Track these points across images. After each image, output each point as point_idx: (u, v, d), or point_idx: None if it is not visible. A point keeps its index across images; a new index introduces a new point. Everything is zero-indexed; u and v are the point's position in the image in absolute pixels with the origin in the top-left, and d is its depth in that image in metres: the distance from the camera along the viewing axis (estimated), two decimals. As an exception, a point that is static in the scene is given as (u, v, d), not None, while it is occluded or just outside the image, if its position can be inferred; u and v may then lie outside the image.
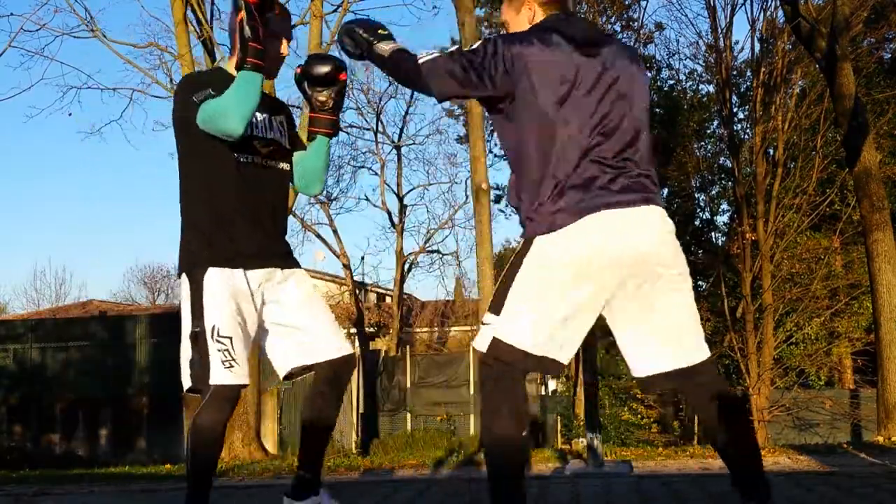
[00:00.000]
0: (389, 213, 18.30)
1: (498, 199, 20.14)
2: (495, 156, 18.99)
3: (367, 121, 18.90)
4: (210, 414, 2.63)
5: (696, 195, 19.02)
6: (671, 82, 19.06)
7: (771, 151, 15.69)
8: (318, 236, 17.54)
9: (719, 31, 15.45)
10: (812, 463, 5.07)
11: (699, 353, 2.34)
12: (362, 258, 22.86)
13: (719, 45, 15.45)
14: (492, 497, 2.26)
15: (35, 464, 11.68)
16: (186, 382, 2.70)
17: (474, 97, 2.45)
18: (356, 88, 19.01)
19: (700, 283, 19.80)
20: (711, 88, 17.81)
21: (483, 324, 2.34)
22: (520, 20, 2.44)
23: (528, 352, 2.24)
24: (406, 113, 20.42)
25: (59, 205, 56.38)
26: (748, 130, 16.76)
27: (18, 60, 53.75)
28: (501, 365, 2.27)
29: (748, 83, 17.26)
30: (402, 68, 2.44)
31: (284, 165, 2.84)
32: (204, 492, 2.65)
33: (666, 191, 19.82)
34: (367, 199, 23.96)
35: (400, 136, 18.66)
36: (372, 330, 17.69)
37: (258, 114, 2.75)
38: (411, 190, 26.43)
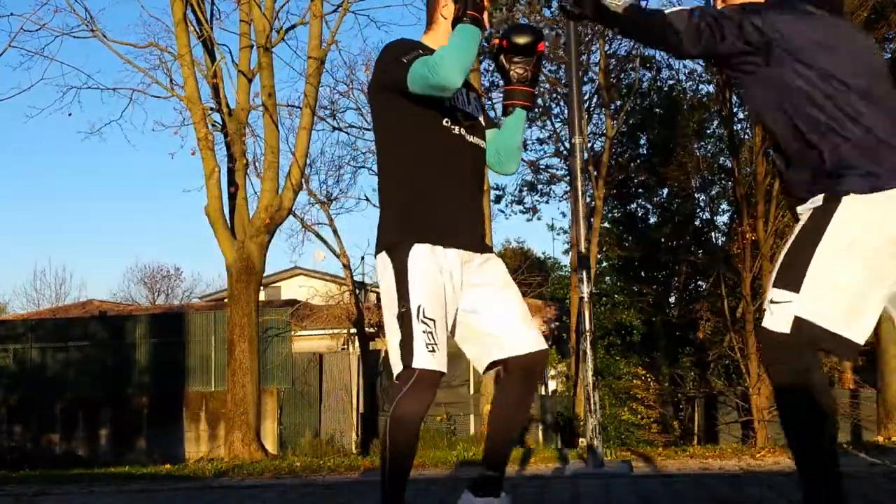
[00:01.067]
0: (389, 213, 18.24)
1: (498, 199, 20.15)
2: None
3: (367, 121, 18.82)
4: (413, 401, 2.45)
5: (696, 195, 19.03)
6: (671, 82, 19.06)
7: (771, 151, 15.68)
8: (318, 236, 17.51)
9: (719, 31, 15.41)
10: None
11: None
12: (362, 258, 22.77)
13: (719, 45, 15.41)
14: (806, 481, 2.21)
15: (35, 464, 11.68)
16: (396, 367, 2.49)
17: (726, 55, 2.30)
18: (356, 89, 19.00)
19: (700, 283, 19.81)
20: (711, 88, 17.81)
21: (774, 302, 2.18)
22: None
23: (834, 332, 2.12)
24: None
25: (60, 205, 56.40)
26: (748, 130, 16.75)
27: (18, 60, 53.70)
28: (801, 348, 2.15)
29: (748, 83, 17.23)
30: (645, 23, 2.34)
31: (481, 142, 2.71)
32: (402, 485, 2.50)
33: (666, 191, 19.84)
34: (367, 199, 23.95)
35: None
36: (372, 330, 17.64)
37: (462, 89, 2.64)
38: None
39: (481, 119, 2.74)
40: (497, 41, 2.72)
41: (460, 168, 2.61)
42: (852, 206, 2.10)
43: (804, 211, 2.23)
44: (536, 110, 17.11)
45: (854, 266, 2.10)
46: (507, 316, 2.62)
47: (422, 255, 2.49)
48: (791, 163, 2.29)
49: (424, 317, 2.44)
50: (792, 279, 2.14)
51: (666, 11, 2.30)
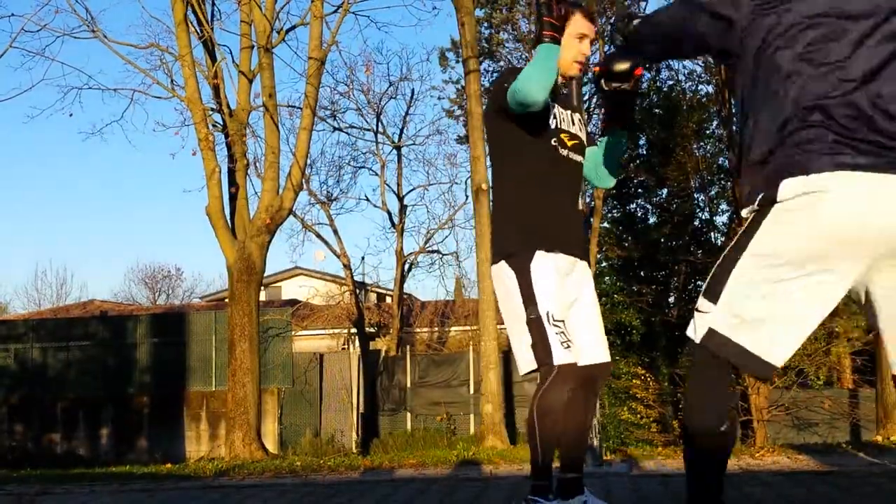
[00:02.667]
0: (389, 214, 18.33)
1: (498, 199, 20.15)
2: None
3: (367, 121, 18.92)
4: (557, 392, 2.70)
5: (696, 195, 19.04)
6: (670, 82, 19.08)
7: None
8: (319, 236, 17.55)
9: (719, 31, 15.43)
10: (811, 462, 5.08)
11: None
12: (362, 258, 22.89)
13: (719, 45, 15.43)
14: (688, 488, 2.18)
15: (36, 463, 11.70)
16: (528, 366, 2.77)
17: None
18: (356, 89, 19.05)
19: (700, 283, 19.82)
20: (711, 89, 17.82)
21: (698, 311, 2.12)
22: None
23: (747, 349, 2.04)
24: (406, 113, 20.47)
25: (60, 205, 56.41)
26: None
27: (20, 61, 53.74)
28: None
29: (748, 83, 17.24)
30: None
31: (582, 160, 2.96)
32: (548, 470, 2.73)
33: (665, 191, 19.84)
34: (367, 200, 24.03)
35: (400, 137, 18.68)
36: (372, 330, 17.69)
37: (562, 110, 2.91)
38: (411, 190, 26.49)
39: (584, 138, 2.99)
40: (597, 69, 2.83)
41: (565, 183, 2.89)
42: (778, 214, 1.96)
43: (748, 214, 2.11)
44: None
45: (775, 280, 1.98)
46: (593, 326, 2.92)
47: (543, 263, 2.77)
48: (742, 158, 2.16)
49: (555, 320, 2.73)
50: (713, 291, 2.09)
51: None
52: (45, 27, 10.30)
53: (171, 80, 11.08)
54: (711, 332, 2.07)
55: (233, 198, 10.66)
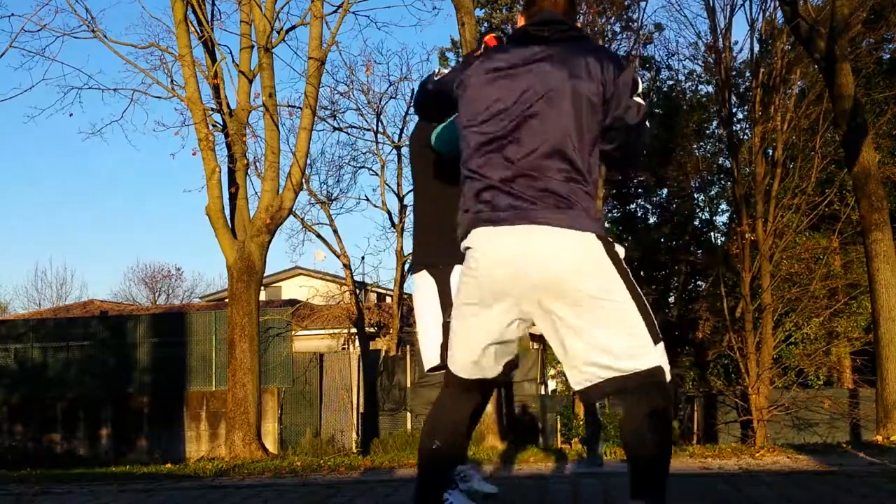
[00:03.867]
0: (389, 213, 18.32)
1: (498, 199, 20.15)
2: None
3: (367, 121, 18.92)
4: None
5: (696, 195, 19.05)
6: (670, 83, 19.10)
7: (770, 152, 15.72)
8: (319, 236, 17.54)
9: (718, 31, 15.47)
10: (811, 462, 5.08)
11: None
12: (362, 258, 22.90)
13: (718, 45, 15.48)
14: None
15: (36, 463, 11.69)
16: (434, 361, 3.11)
17: None
18: (356, 89, 19.04)
19: (700, 283, 19.82)
20: (711, 89, 17.85)
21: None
22: None
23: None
24: (406, 113, 20.41)
25: (61, 205, 56.41)
26: (747, 131, 16.78)
27: (19, 61, 53.78)
28: None
29: (747, 84, 17.28)
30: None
31: None
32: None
33: (665, 191, 19.85)
34: (367, 199, 24.06)
35: (400, 137, 18.66)
36: (372, 330, 17.68)
37: None
38: (411, 190, 26.42)
39: None
40: None
41: None
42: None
43: None
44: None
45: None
46: None
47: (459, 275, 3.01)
48: None
49: None
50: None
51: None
52: (45, 27, 10.30)
53: (171, 80, 11.08)
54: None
55: (233, 198, 10.66)
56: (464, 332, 2.25)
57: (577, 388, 2.18)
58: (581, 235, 2.10)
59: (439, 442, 2.30)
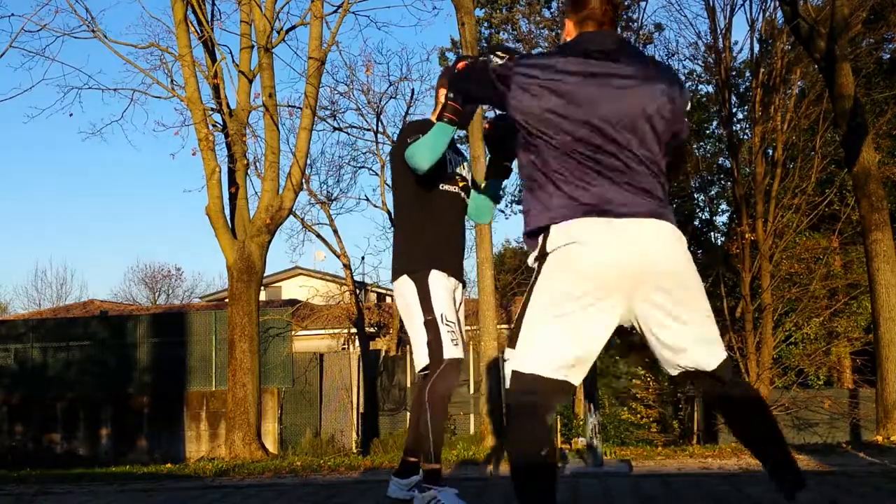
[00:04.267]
0: (389, 213, 18.28)
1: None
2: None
3: (367, 121, 18.92)
4: (445, 382, 3.28)
5: (696, 195, 19.04)
6: (671, 82, 19.07)
7: (770, 152, 15.72)
8: (319, 236, 17.54)
9: (718, 31, 15.47)
10: (811, 462, 5.08)
11: None
12: (362, 258, 22.89)
13: (718, 45, 15.48)
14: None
15: (36, 463, 11.70)
16: (423, 361, 3.34)
17: None
18: (356, 89, 19.05)
19: (699, 283, 19.81)
20: (711, 89, 17.85)
21: (504, 360, 2.33)
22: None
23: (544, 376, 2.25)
24: (406, 113, 20.40)
25: (61, 205, 56.41)
26: (747, 131, 16.78)
27: (19, 61, 53.82)
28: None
29: (747, 84, 17.29)
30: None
31: (467, 199, 3.60)
32: (440, 454, 3.37)
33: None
34: (367, 199, 24.08)
35: (400, 137, 18.64)
36: (372, 330, 17.68)
37: (455, 156, 3.59)
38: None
39: (470, 180, 3.65)
40: (486, 126, 3.36)
41: (454, 217, 3.53)
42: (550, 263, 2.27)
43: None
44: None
45: (552, 320, 2.23)
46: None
47: (438, 279, 3.38)
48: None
49: (447, 320, 3.33)
50: (513, 338, 2.30)
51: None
52: (45, 27, 10.30)
53: (171, 80, 11.08)
54: (515, 374, 2.27)
55: (233, 198, 10.66)
56: (561, 329, 2.23)
57: (674, 373, 2.35)
58: (676, 231, 2.30)
59: (548, 449, 2.22)
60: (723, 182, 18.98)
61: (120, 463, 11.49)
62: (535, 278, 2.31)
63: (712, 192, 19.15)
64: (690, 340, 2.27)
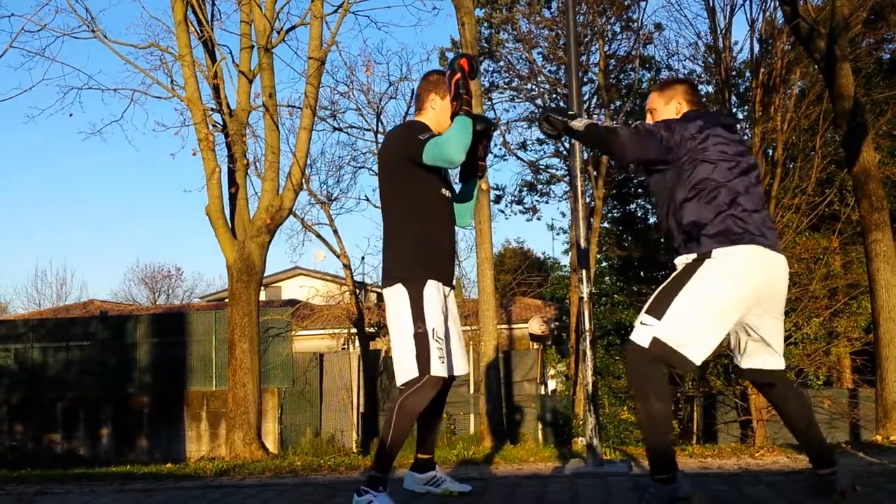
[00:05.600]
0: (389, 214, 18.28)
1: (498, 200, 20.15)
2: (494, 156, 19.01)
3: (367, 121, 18.93)
4: (420, 398, 3.20)
5: (696, 195, 19.00)
6: (671, 82, 19.06)
7: (770, 152, 15.71)
8: (319, 236, 17.53)
9: (718, 31, 15.46)
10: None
11: None
12: (362, 258, 22.93)
13: (718, 45, 15.47)
14: (650, 463, 3.04)
15: (36, 463, 11.71)
16: (410, 374, 3.22)
17: (651, 160, 3.11)
18: (356, 89, 19.06)
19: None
20: (711, 89, 17.82)
21: (643, 323, 2.98)
22: (668, 110, 3.33)
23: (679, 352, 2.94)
24: (406, 114, 20.42)
25: (60, 205, 56.42)
26: (747, 131, 16.77)
27: (19, 61, 53.93)
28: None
29: (747, 84, 17.28)
30: (598, 137, 3.18)
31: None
32: (393, 459, 3.25)
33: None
34: (367, 200, 24.04)
35: (400, 137, 18.64)
36: (372, 330, 17.67)
37: None
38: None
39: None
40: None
41: (446, 221, 3.45)
42: (710, 265, 2.97)
43: (680, 263, 3.08)
44: (536, 111, 17.28)
45: (703, 308, 2.93)
46: (457, 345, 3.47)
47: (432, 290, 3.28)
48: (670, 228, 3.13)
49: (438, 336, 3.23)
50: (659, 310, 2.95)
51: (613, 125, 3.12)
52: (45, 27, 10.31)
53: (171, 80, 11.08)
54: (655, 340, 2.92)
55: (233, 198, 10.66)
56: (722, 322, 2.95)
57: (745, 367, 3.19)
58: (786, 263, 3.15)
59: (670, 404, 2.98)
60: (723, 182, 18.94)
61: (120, 463, 11.49)
62: (702, 273, 2.96)
63: (712, 192, 19.11)
64: (779, 345, 3.11)
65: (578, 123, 3.21)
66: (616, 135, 3.06)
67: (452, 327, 3.44)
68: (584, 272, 5.55)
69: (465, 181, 3.60)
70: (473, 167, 3.55)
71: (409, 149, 3.27)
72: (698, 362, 2.92)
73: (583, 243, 5.62)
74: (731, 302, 2.93)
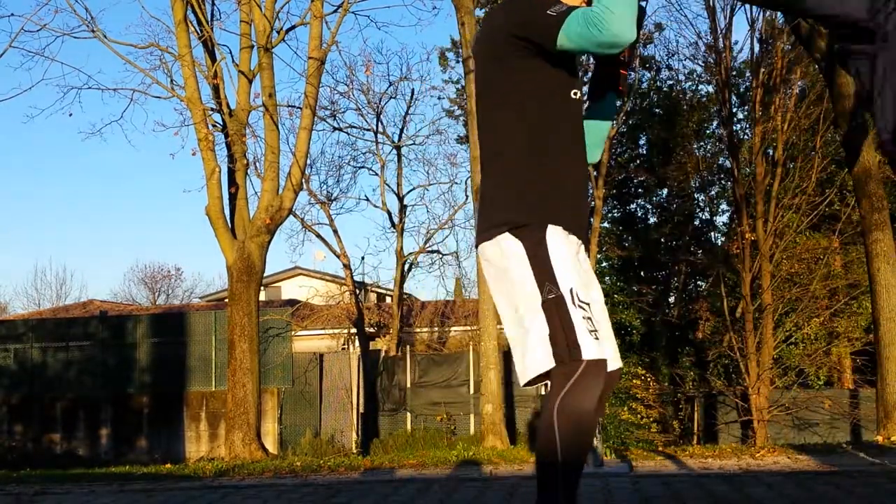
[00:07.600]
0: (389, 213, 18.31)
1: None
2: (495, 155, 18.98)
3: (367, 121, 18.89)
4: (584, 392, 2.03)
5: (696, 195, 19.04)
6: (671, 83, 19.09)
7: (770, 152, 15.71)
8: (319, 236, 17.53)
9: (719, 31, 15.46)
10: (811, 462, 5.08)
11: None
12: (362, 258, 22.91)
13: (719, 45, 15.46)
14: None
15: (36, 463, 11.70)
16: (541, 366, 2.07)
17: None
18: (356, 89, 19.04)
19: (700, 282, 19.81)
20: (711, 89, 17.82)
21: None
22: None
23: None
24: (406, 113, 20.45)
25: (60, 205, 56.41)
26: (748, 131, 16.77)
27: (19, 61, 53.88)
28: None
29: (747, 83, 17.28)
30: None
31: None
32: (576, 484, 2.15)
33: (665, 191, 19.84)
34: (367, 199, 24.02)
35: (400, 137, 18.67)
36: (372, 330, 17.67)
37: None
38: (411, 190, 26.44)
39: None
40: None
41: (580, 146, 2.27)
42: None
43: None
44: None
45: None
46: (605, 325, 2.23)
47: (560, 237, 2.15)
48: None
49: (580, 301, 2.08)
50: None
51: None
52: (44, 27, 10.31)
53: (171, 80, 11.09)
54: None
55: (233, 198, 10.66)
56: None
57: None
58: None
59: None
60: (723, 182, 18.97)
61: (120, 463, 11.48)
62: None
63: (712, 192, 19.13)
64: None
65: None
66: None
67: (597, 298, 2.23)
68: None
69: (599, 97, 2.40)
70: (614, 75, 2.34)
71: (537, 28, 2.11)
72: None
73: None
74: None
